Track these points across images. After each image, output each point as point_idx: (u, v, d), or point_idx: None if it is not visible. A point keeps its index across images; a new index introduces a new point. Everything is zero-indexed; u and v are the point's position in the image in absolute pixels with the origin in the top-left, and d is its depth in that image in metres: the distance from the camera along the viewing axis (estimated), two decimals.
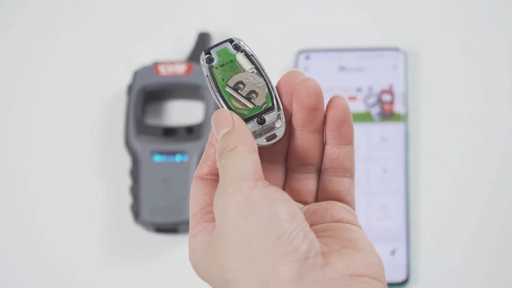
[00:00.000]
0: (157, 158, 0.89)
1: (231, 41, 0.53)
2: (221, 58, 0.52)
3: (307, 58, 0.93)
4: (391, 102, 0.91)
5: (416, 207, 0.89)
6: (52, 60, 0.96)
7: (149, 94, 0.92)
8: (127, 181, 0.90)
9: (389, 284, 0.87)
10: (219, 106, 0.51)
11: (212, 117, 0.50)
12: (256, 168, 0.47)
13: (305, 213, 0.50)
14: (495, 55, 0.93)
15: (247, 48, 0.52)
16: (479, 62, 0.93)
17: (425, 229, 0.88)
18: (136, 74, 0.92)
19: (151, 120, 0.94)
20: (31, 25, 0.98)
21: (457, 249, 0.88)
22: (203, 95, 0.92)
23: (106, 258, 0.90)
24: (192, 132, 0.90)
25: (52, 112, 0.95)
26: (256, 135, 0.50)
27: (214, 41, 0.95)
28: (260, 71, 0.52)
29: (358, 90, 0.92)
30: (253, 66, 0.52)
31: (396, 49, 0.92)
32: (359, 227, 0.51)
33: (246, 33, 0.96)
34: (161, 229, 0.89)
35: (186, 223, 0.87)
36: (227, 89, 0.51)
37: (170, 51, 0.95)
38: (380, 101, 0.91)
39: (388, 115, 0.91)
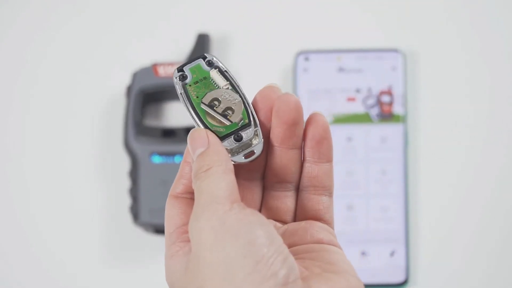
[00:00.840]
0: (156, 159, 0.89)
1: (204, 57, 0.51)
2: (195, 75, 0.51)
3: (306, 59, 0.92)
4: (390, 103, 0.90)
5: (415, 208, 0.88)
6: (51, 62, 0.96)
7: (148, 95, 0.92)
8: (126, 182, 0.90)
9: (389, 285, 0.86)
10: (195, 124, 0.50)
11: (188, 136, 0.49)
12: (232, 190, 0.46)
13: (284, 233, 0.49)
14: (495, 56, 0.93)
15: (220, 64, 0.51)
16: (478, 63, 0.93)
17: (424, 230, 0.88)
18: (135, 76, 0.92)
19: (150, 121, 0.93)
20: (30, 26, 0.97)
21: (456, 250, 0.87)
22: None
23: (105, 259, 0.90)
24: None
25: (51, 114, 0.94)
26: (234, 152, 0.49)
27: (213, 42, 0.94)
28: (235, 87, 0.50)
29: (357, 91, 0.91)
30: (228, 82, 0.50)
31: (395, 50, 0.92)
32: (339, 247, 0.49)
33: (245, 34, 0.95)
34: (160, 230, 0.88)
35: None
36: (202, 106, 0.49)
37: (169, 52, 0.95)
38: (379, 102, 0.91)
39: (387, 116, 0.90)
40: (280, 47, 0.94)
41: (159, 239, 0.89)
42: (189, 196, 0.50)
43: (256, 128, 0.49)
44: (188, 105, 0.50)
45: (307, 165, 0.50)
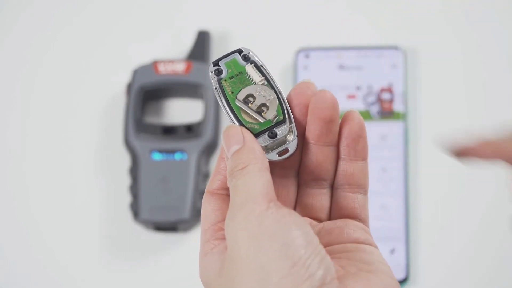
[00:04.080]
0: (157, 157, 0.88)
1: (240, 51, 0.50)
2: (230, 70, 0.50)
3: (307, 56, 0.92)
4: (391, 101, 0.90)
5: (415, 206, 0.88)
6: (52, 60, 0.95)
7: (148, 92, 0.91)
8: (126, 180, 0.89)
9: None
10: (229, 120, 0.48)
11: (222, 133, 0.47)
12: (268, 188, 0.45)
13: (320, 232, 0.49)
14: (494, 52, 0.92)
15: (256, 59, 0.50)
16: (478, 60, 0.92)
17: (425, 228, 0.87)
18: (136, 73, 0.91)
19: (150, 119, 0.93)
20: (32, 25, 0.97)
21: (456, 248, 0.87)
22: (202, 93, 0.90)
23: (105, 256, 0.89)
24: (191, 130, 0.89)
25: (52, 111, 0.94)
26: (268, 149, 0.48)
27: (214, 40, 0.94)
28: (270, 83, 0.49)
29: (358, 88, 0.90)
30: (263, 77, 0.49)
31: (395, 48, 0.91)
32: (375, 246, 0.49)
33: (245, 31, 0.94)
34: (160, 227, 0.87)
35: (185, 221, 0.86)
36: (237, 102, 0.48)
37: (170, 50, 0.94)
38: (379, 100, 0.90)
39: (387, 114, 0.89)
40: (280, 44, 0.93)
41: (159, 236, 0.89)
42: (225, 193, 0.49)
43: (291, 125, 0.49)
44: (223, 100, 0.49)
45: (342, 163, 0.50)
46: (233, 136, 0.47)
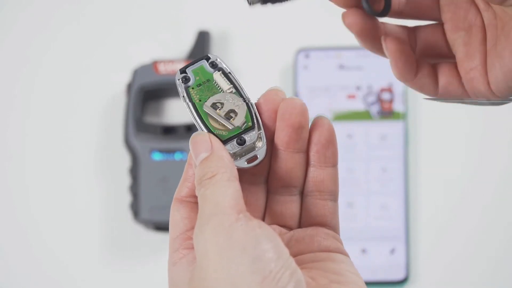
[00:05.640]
0: (157, 156, 0.88)
1: (207, 58, 0.49)
2: (198, 78, 0.48)
3: (307, 56, 0.91)
4: (391, 101, 0.89)
5: (415, 206, 0.87)
6: (52, 59, 0.95)
7: (148, 92, 0.91)
8: (126, 180, 0.89)
9: (389, 283, 0.86)
10: (197, 127, 0.47)
11: (190, 140, 0.46)
12: (237, 199, 0.43)
13: (290, 240, 0.48)
14: None
15: (224, 66, 0.49)
16: None
17: (425, 228, 0.87)
18: (136, 73, 0.91)
19: (150, 119, 0.92)
20: (32, 25, 0.97)
21: (456, 248, 0.87)
22: None
23: (105, 256, 0.89)
24: (191, 130, 0.89)
25: (52, 111, 0.93)
26: (236, 156, 0.47)
27: (214, 40, 0.94)
28: (238, 90, 0.48)
29: (358, 88, 0.90)
30: (231, 85, 0.48)
31: None
32: (346, 254, 0.48)
33: (245, 31, 0.94)
34: (160, 227, 0.88)
35: None
36: (205, 108, 0.47)
37: (170, 50, 0.94)
38: (379, 100, 0.90)
39: (387, 114, 0.89)
40: (280, 44, 0.93)
41: (159, 236, 0.88)
42: (194, 200, 0.48)
43: (259, 131, 0.47)
44: (191, 107, 0.48)
45: (312, 170, 0.48)
46: (200, 143, 0.46)
